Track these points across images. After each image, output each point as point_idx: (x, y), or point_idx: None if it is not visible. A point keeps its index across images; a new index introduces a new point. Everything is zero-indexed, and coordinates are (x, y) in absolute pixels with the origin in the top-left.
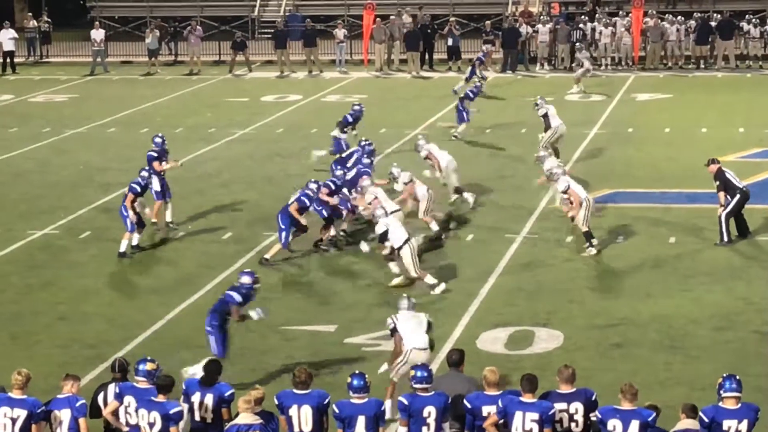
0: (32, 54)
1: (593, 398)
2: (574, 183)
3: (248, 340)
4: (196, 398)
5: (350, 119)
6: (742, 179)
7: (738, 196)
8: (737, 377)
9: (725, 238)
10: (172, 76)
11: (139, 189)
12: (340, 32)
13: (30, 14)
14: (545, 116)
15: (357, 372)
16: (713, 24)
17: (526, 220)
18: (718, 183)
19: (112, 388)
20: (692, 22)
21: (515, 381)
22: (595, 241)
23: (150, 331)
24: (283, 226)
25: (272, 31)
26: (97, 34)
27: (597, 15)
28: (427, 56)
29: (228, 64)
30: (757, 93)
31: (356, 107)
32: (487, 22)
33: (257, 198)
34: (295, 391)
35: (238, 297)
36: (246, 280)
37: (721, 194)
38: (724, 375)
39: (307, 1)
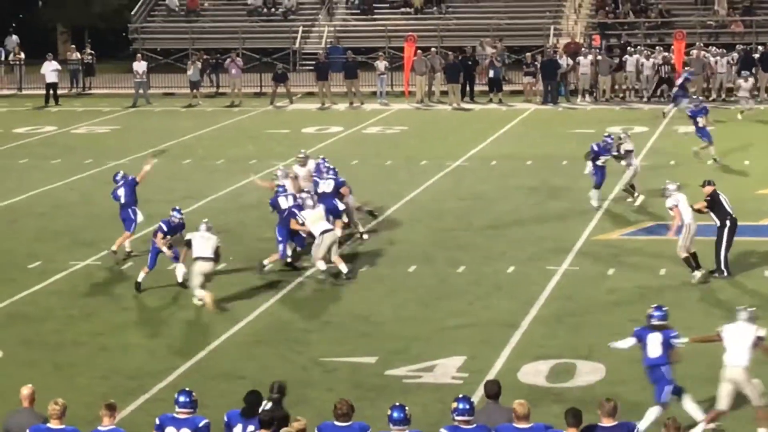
0: (75, 86)
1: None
2: (684, 204)
3: (288, 372)
4: (238, 430)
5: None
6: None
7: (729, 223)
8: None
9: (725, 273)
10: (214, 107)
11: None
12: (381, 64)
13: (73, 46)
14: (628, 152)
15: (397, 404)
16: (756, 56)
17: (568, 253)
18: (706, 205)
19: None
20: (734, 54)
21: (558, 414)
22: (698, 270)
23: (191, 362)
24: (280, 238)
25: (313, 62)
26: (140, 65)
27: (632, 47)
28: (468, 88)
29: (269, 96)
30: None
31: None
32: (528, 54)
33: None
34: (337, 423)
35: None
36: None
37: (712, 214)
38: None
39: (349, 33)
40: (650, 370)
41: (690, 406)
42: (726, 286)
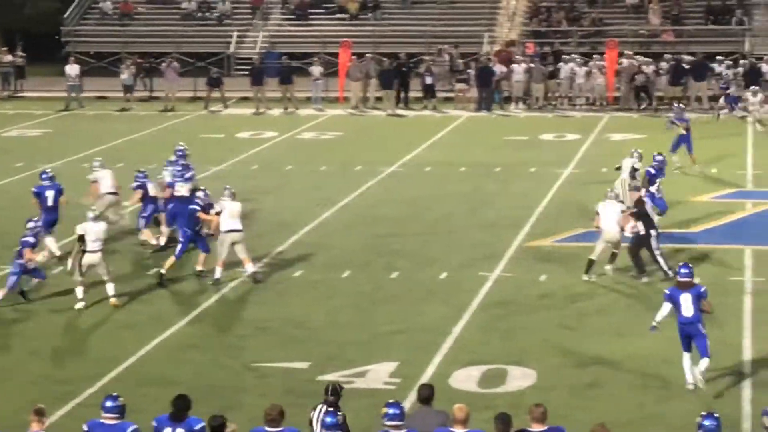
0: (6, 88)
1: None
2: (606, 211)
3: (221, 378)
4: None
5: None
6: (712, 220)
7: (654, 232)
8: (716, 415)
9: (669, 274)
10: (147, 112)
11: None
12: (316, 69)
13: (5, 48)
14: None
15: (329, 409)
16: (686, 66)
17: (500, 259)
18: (635, 210)
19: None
20: (663, 64)
21: (488, 419)
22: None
23: (122, 367)
24: (182, 239)
25: (248, 67)
26: (72, 69)
27: (567, 56)
28: (402, 94)
29: (203, 101)
30: (729, 134)
31: None
32: (459, 61)
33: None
34: (267, 428)
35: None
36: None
37: (635, 223)
38: (703, 414)
39: (284, 38)
40: (686, 327)
41: (688, 364)
42: (656, 291)
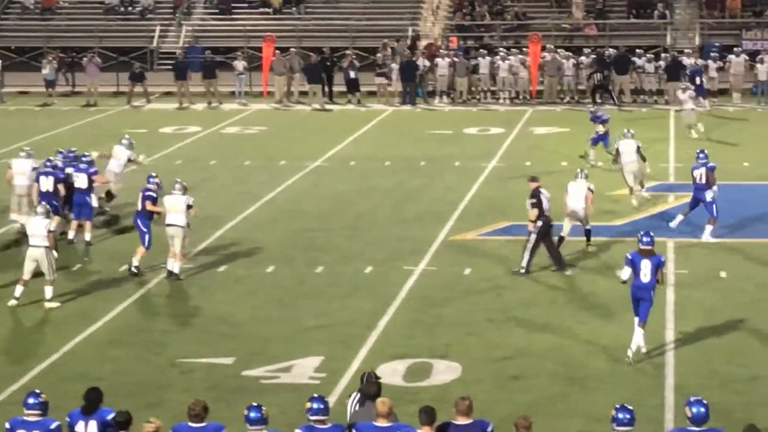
0: None
1: (489, 430)
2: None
3: (145, 374)
4: (80, 428)
5: None
6: (635, 213)
7: (542, 222)
8: (630, 408)
9: (529, 268)
10: (69, 107)
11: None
12: (240, 64)
13: None
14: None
15: (254, 404)
16: (608, 59)
17: (425, 253)
18: (533, 201)
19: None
20: (583, 58)
21: (413, 413)
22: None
23: (45, 364)
24: (144, 230)
25: (171, 62)
26: None
27: (484, 50)
28: (327, 89)
29: (126, 96)
30: (651, 127)
31: None
32: (379, 55)
33: (154, 230)
34: (191, 424)
35: None
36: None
37: (534, 211)
38: (617, 406)
39: (207, 32)
40: (640, 292)
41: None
42: (580, 284)
